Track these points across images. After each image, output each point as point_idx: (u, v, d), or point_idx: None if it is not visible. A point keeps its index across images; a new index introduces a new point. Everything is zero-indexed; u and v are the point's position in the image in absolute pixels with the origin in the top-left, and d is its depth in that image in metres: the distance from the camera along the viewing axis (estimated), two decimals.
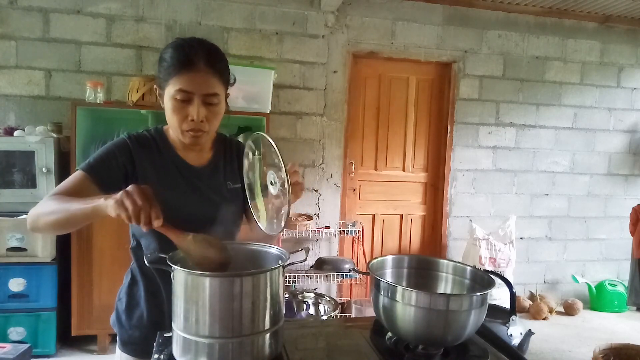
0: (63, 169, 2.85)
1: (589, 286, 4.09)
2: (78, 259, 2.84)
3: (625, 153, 4.26)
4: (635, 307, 4.03)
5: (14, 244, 2.70)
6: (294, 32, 3.51)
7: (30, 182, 2.77)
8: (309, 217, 3.52)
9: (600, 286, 4.09)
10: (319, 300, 3.26)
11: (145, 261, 0.92)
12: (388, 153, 3.90)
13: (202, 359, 0.82)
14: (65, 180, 1.04)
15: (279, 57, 3.49)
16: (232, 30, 3.40)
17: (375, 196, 3.91)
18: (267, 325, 0.86)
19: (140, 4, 3.23)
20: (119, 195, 0.83)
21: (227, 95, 1.15)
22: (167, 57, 1.06)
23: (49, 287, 2.77)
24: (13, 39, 3.08)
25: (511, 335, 1.09)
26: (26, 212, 1.04)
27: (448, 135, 3.89)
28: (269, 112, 3.17)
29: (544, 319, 3.78)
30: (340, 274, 3.25)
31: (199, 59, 1.04)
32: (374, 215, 3.93)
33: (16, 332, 2.74)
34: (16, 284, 2.73)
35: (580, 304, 3.95)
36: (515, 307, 1.10)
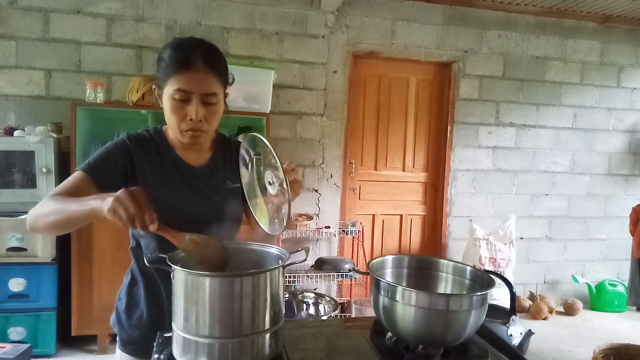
0: (63, 169, 2.85)
1: (589, 286, 4.09)
2: (78, 259, 2.84)
3: (625, 153, 4.26)
4: (635, 307, 4.03)
5: (14, 244, 2.70)
6: (294, 32, 3.51)
7: (30, 182, 2.77)
8: (309, 217, 3.52)
9: (600, 286, 4.09)
10: (319, 300, 3.26)
11: (145, 261, 0.92)
12: (388, 153, 3.90)
13: (202, 359, 0.82)
14: (65, 180, 1.04)
15: (279, 57, 3.49)
16: (232, 30, 3.40)
17: (375, 196, 3.91)
18: (267, 325, 0.86)
19: (140, 4, 3.23)
20: (111, 201, 0.82)
21: (225, 95, 1.15)
22: (165, 57, 1.06)
23: (49, 287, 2.77)
24: (13, 39, 3.08)
25: (511, 335, 1.09)
26: (26, 212, 1.04)
27: (448, 135, 3.89)
28: (269, 112, 3.17)
29: (544, 319, 3.78)
30: (340, 274, 3.25)
31: (197, 58, 1.04)
32: (374, 215, 3.93)
33: (16, 332, 2.74)
34: (16, 284, 2.73)
35: (580, 304, 3.95)
36: (515, 307, 1.10)
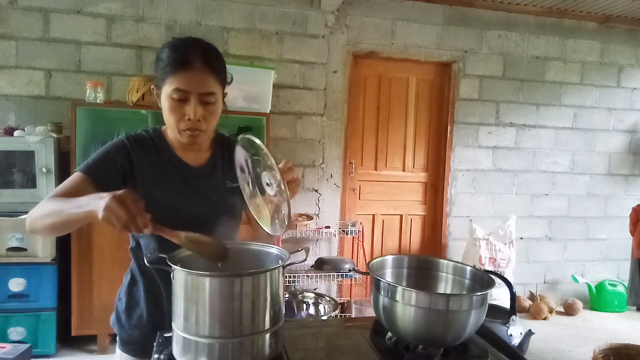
0: (63, 169, 2.85)
1: (589, 286, 4.09)
2: (78, 259, 2.84)
3: (625, 153, 4.26)
4: (635, 307, 4.03)
5: (14, 244, 2.70)
6: (294, 32, 3.51)
7: (30, 182, 2.77)
8: (309, 217, 3.52)
9: (600, 286, 4.09)
10: (319, 300, 3.26)
11: (145, 261, 0.93)
12: (388, 153, 3.90)
13: (202, 359, 0.82)
14: (64, 182, 1.04)
15: (279, 57, 3.49)
16: (232, 30, 3.40)
17: (375, 196, 3.91)
18: (267, 325, 0.86)
19: (140, 4, 3.23)
20: (102, 210, 0.81)
21: (224, 95, 1.14)
22: (163, 56, 1.07)
23: (49, 287, 2.77)
24: (13, 39, 3.08)
25: (511, 335, 1.09)
26: (26, 212, 1.04)
27: (448, 135, 3.89)
28: (269, 112, 3.17)
29: (544, 319, 3.78)
30: (340, 274, 3.25)
31: (195, 58, 1.04)
32: (374, 215, 3.93)
33: (16, 332, 2.74)
34: (16, 284, 2.73)
35: (580, 304, 3.95)
36: (515, 307, 1.10)
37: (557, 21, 3.98)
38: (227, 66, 1.14)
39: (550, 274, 4.21)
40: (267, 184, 0.94)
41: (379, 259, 1.07)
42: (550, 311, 3.83)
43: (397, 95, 3.86)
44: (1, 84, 3.09)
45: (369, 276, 1.00)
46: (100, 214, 0.81)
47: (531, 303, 3.90)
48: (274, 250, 1.01)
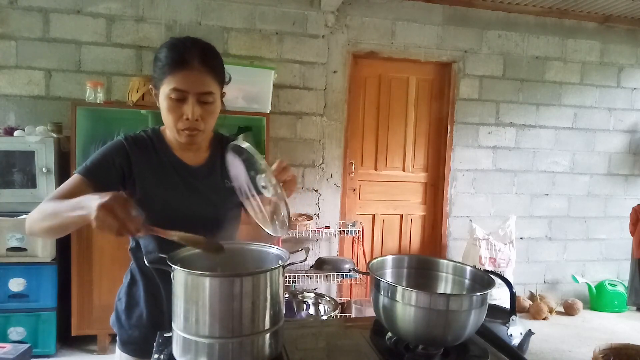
0: (63, 169, 2.85)
1: (589, 286, 4.09)
2: (78, 259, 2.84)
3: (625, 153, 4.26)
4: (635, 307, 4.03)
5: (14, 244, 2.70)
6: (294, 32, 3.51)
7: (30, 182, 2.77)
8: (309, 217, 3.52)
9: (600, 286, 4.09)
10: (319, 300, 3.26)
11: (146, 261, 0.93)
12: (388, 153, 3.90)
13: (202, 359, 0.82)
14: (63, 184, 1.04)
15: (279, 57, 3.49)
16: (232, 30, 3.40)
17: (375, 196, 3.91)
18: (267, 325, 0.86)
19: (140, 4, 3.23)
20: (94, 220, 0.81)
21: (222, 94, 1.14)
22: (161, 56, 1.07)
23: (49, 287, 2.77)
24: (13, 39, 3.08)
25: (511, 335, 1.09)
26: (26, 212, 1.04)
27: (448, 135, 3.89)
28: (269, 112, 3.17)
29: (544, 319, 3.78)
30: (340, 274, 3.25)
31: (193, 57, 1.04)
32: (374, 215, 3.93)
33: (16, 332, 2.74)
34: (16, 284, 2.73)
35: (580, 304, 3.95)
36: (515, 307, 1.10)
37: (557, 21, 3.98)
38: (227, 66, 1.14)
39: (550, 274, 4.21)
40: (263, 187, 0.94)
41: (379, 259, 1.07)
42: (550, 311, 3.83)
43: (397, 95, 3.86)
44: (1, 84, 3.09)
45: (369, 276, 1.00)
46: (93, 225, 0.82)
47: (531, 303, 3.90)
48: (274, 250, 1.01)
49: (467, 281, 1.04)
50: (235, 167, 0.97)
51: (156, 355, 0.91)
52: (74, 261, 2.83)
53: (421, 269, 1.11)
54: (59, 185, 1.04)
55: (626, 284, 3.82)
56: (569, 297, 4.06)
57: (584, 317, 3.90)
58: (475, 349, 0.97)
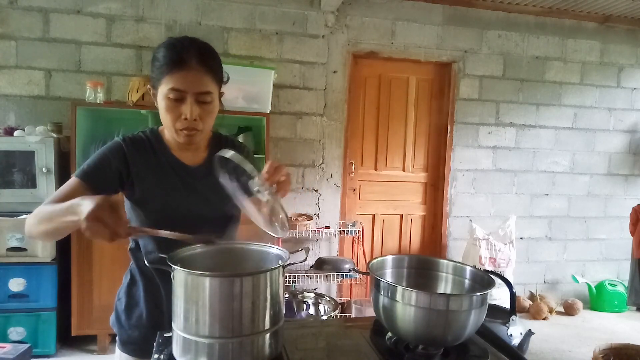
0: (63, 169, 2.85)
1: (589, 286, 4.09)
2: (78, 259, 2.84)
3: (625, 153, 4.26)
4: (635, 307, 4.03)
5: (14, 244, 2.70)
6: (294, 32, 3.51)
7: (30, 182, 2.77)
8: (309, 217, 3.52)
9: (600, 286, 4.09)
10: (319, 300, 3.25)
11: (146, 261, 0.93)
12: (388, 153, 3.90)
13: (202, 359, 0.82)
14: (61, 187, 1.04)
15: (279, 57, 3.49)
16: (232, 30, 3.40)
17: (375, 196, 3.91)
18: (267, 325, 0.86)
19: (140, 4, 3.23)
20: (85, 230, 0.81)
21: (221, 94, 1.14)
22: (159, 56, 1.06)
23: (49, 287, 2.77)
24: (13, 39, 3.08)
25: (511, 335, 1.09)
26: (26, 212, 1.05)
27: (448, 135, 3.89)
28: (269, 112, 3.18)
29: (544, 319, 3.78)
30: (340, 274, 3.25)
31: (191, 57, 1.04)
32: (374, 215, 3.93)
33: (16, 332, 2.74)
34: (16, 284, 2.72)
35: (580, 304, 3.95)
36: (515, 307, 1.10)
37: (557, 21, 3.98)
38: (227, 66, 1.14)
39: (550, 274, 4.21)
40: (258, 192, 0.94)
41: (379, 259, 1.07)
42: (550, 311, 3.83)
43: (397, 95, 3.86)
44: (1, 84, 3.09)
45: (369, 276, 1.00)
46: (86, 234, 0.82)
47: (531, 303, 3.90)
48: (274, 250, 1.01)
49: (467, 281, 1.03)
50: (225, 178, 0.98)
51: (156, 355, 0.91)
52: (74, 261, 2.83)
53: (421, 269, 1.11)
54: (59, 186, 1.05)
55: (626, 284, 3.82)
56: (569, 297, 4.06)
57: (584, 317, 3.90)
58: (475, 349, 0.97)
